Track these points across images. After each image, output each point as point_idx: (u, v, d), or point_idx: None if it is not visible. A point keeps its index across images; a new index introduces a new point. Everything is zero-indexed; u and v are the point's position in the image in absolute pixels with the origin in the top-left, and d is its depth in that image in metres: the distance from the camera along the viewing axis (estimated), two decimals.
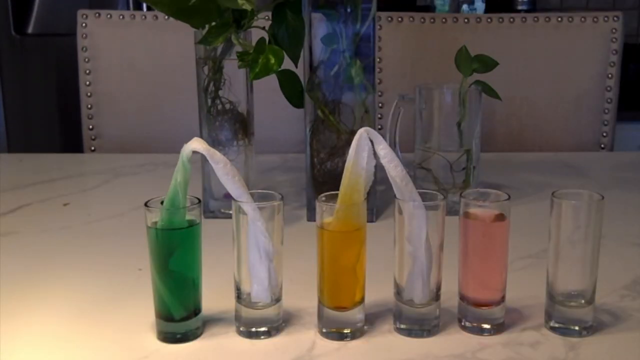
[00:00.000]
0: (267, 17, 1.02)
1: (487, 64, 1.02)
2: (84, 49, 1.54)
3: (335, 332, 0.67)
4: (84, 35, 1.54)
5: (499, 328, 0.68)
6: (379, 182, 0.80)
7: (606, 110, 1.54)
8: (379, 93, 1.53)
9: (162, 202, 0.66)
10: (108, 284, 0.81)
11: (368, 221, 0.68)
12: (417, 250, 0.65)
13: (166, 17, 1.51)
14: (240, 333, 0.68)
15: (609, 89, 1.53)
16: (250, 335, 0.68)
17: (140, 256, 0.74)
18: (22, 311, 0.74)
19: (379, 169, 0.67)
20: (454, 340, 0.67)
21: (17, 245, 0.93)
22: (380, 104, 1.53)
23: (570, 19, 1.53)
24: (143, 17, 1.56)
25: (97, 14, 1.55)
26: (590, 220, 0.65)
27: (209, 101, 0.99)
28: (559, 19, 1.53)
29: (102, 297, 0.77)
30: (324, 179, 0.98)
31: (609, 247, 0.79)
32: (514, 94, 1.53)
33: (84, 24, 1.54)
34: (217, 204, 1.01)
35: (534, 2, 2.71)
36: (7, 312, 0.73)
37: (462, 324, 0.69)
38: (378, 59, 1.52)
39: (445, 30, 1.55)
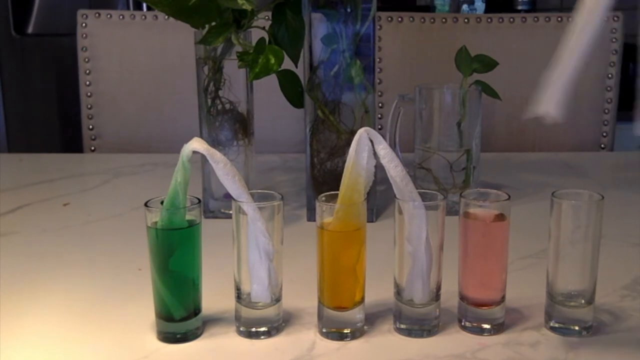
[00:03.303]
0: (267, 17, 1.02)
1: (487, 64, 1.02)
2: (84, 49, 1.54)
3: (335, 332, 0.67)
4: (84, 35, 1.54)
5: (499, 328, 0.68)
6: (379, 182, 0.80)
7: (606, 110, 1.54)
8: (379, 93, 1.53)
9: (162, 202, 0.66)
10: (108, 284, 0.81)
11: (368, 221, 0.68)
12: (417, 250, 0.65)
13: (166, 17, 1.50)
14: (240, 333, 0.68)
15: (609, 89, 1.53)
16: (250, 335, 0.68)
17: (140, 256, 0.74)
18: (22, 311, 0.74)
19: (379, 169, 0.67)
20: (454, 340, 0.67)
21: (17, 245, 0.93)
22: (380, 104, 1.53)
23: (570, 19, 1.53)
24: (143, 17, 1.56)
25: (97, 14, 1.55)
26: (590, 220, 0.65)
27: (209, 101, 0.99)
28: (559, 19, 1.53)
29: (102, 297, 0.77)
30: (324, 179, 0.98)
31: (609, 247, 0.79)
32: (514, 94, 1.52)
33: (84, 24, 1.54)
34: (217, 204, 1.01)
35: (534, 2, 2.71)
36: (7, 312, 0.73)
37: (462, 324, 0.69)
38: (378, 59, 1.52)
39: (445, 30, 1.55)
